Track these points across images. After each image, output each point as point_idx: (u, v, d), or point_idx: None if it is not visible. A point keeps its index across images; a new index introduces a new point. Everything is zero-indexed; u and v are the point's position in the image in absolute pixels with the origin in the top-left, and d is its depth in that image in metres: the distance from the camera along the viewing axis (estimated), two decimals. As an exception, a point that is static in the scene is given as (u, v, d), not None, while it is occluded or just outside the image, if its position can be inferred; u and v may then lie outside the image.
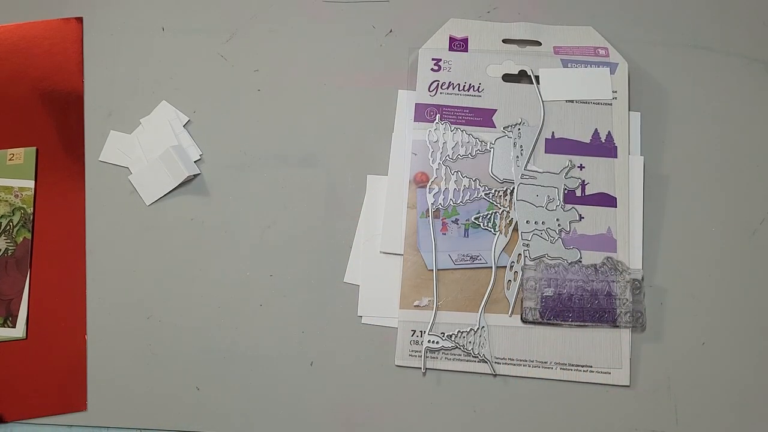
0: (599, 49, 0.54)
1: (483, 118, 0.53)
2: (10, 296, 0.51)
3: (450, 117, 0.53)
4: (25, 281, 0.51)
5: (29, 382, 0.49)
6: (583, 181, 0.51)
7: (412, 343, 0.49)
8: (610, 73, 0.53)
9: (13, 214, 0.52)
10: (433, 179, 0.51)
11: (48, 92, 0.56)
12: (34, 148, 0.54)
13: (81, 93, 0.56)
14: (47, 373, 0.49)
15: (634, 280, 0.49)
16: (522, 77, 0.54)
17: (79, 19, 0.57)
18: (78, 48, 0.57)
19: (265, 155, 0.54)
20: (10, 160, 0.54)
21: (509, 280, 0.50)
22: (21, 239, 0.52)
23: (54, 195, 0.53)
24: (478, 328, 0.49)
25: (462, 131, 0.52)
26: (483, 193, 0.51)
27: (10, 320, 0.50)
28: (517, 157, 0.52)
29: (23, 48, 0.57)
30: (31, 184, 0.53)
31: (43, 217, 0.52)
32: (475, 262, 0.50)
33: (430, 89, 0.53)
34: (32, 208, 0.53)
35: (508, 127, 0.52)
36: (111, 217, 0.53)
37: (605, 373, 0.48)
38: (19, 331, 0.50)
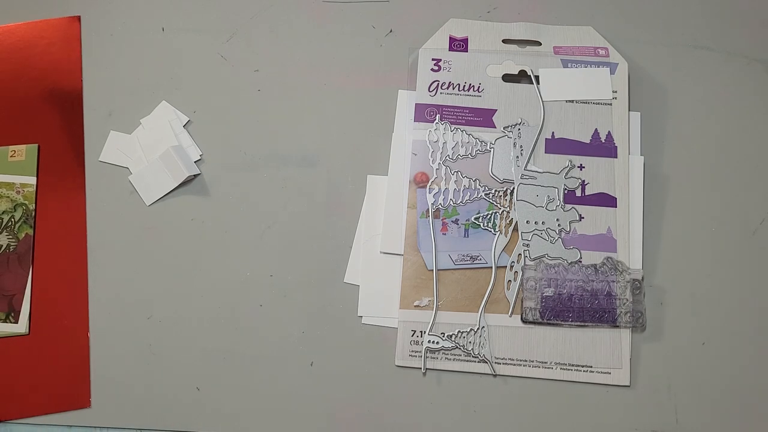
0: (599, 49, 0.54)
1: (483, 118, 0.53)
2: (12, 292, 0.51)
3: (450, 117, 0.53)
4: (27, 277, 0.51)
5: (32, 379, 0.49)
6: (583, 181, 0.51)
7: (412, 343, 0.49)
8: (610, 73, 0.53)
9: (15, 210, 0.53)
10: (433, 179, 0.51)
11: (48, 92, 0.55)
12: (36, 144, 0.54)
13: (80, 92, 0.56)
14: (50, 370, 0.49)
15: (634, 280, 0.49)
16: (522, 77, 0.54)
17: (77, 18, 0.57)
18: (76, 47, 0.57)
19: (265, 155, 0.54)
20: (11, 156, 0.54)
21: (509, 280, 0.50)
22: (23, 235, 0.52)
23: (55, 192, 0.53)
24: (478, 328, 0.49)
25: (462, 131, 0.52)
26: (483, 193, 0.51)
27: (13, 316, 0.50)
28: (517, 157, 0.52)
29: (23, 48, 0.57)
30: (32, 180, 0.53)
31: (45, 214, 0.53)
32: (475, 262, 0.50)
33: (430, 89, 0.53)
34: (34, 205, 0.53)
35: (508, 127, 0.52)
36: (111, 218, 0.53)
37: (605, 373, 0.48)
38: (21, 326, 0.50)
